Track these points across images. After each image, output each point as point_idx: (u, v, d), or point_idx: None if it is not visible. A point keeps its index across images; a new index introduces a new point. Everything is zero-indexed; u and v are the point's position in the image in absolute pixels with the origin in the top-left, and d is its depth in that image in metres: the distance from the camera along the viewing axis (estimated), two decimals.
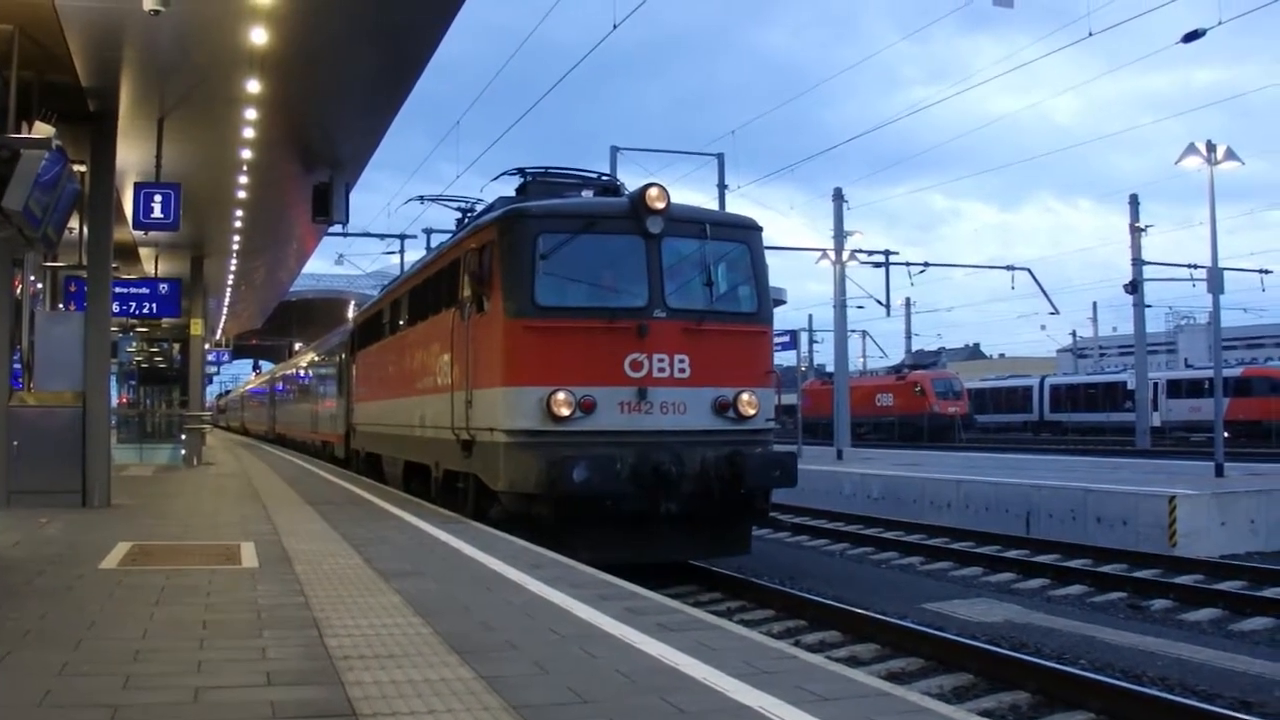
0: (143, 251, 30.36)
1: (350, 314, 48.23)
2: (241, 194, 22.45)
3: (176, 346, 39.88)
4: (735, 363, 14.85)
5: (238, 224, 26.05)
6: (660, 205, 14.43)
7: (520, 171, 17.62)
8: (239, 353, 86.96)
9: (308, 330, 69.24)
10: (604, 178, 18.51)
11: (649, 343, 14.11)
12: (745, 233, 15.59)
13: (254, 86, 15.64)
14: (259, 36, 13.72)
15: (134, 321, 32.73)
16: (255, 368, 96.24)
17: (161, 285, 28.59)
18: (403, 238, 42.80)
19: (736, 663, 6.50)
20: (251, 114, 16.96)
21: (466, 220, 19.79)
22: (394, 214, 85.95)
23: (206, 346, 43.39)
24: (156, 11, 12.71)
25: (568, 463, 13.14)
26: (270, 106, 16.78)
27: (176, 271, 31.90)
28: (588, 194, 16.86)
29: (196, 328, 33.07)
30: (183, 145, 18.65)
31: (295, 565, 10.43)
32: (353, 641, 6.97)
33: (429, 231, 37.19)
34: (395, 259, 44.17)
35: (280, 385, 53.63)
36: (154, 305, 27.87)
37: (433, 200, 23.93)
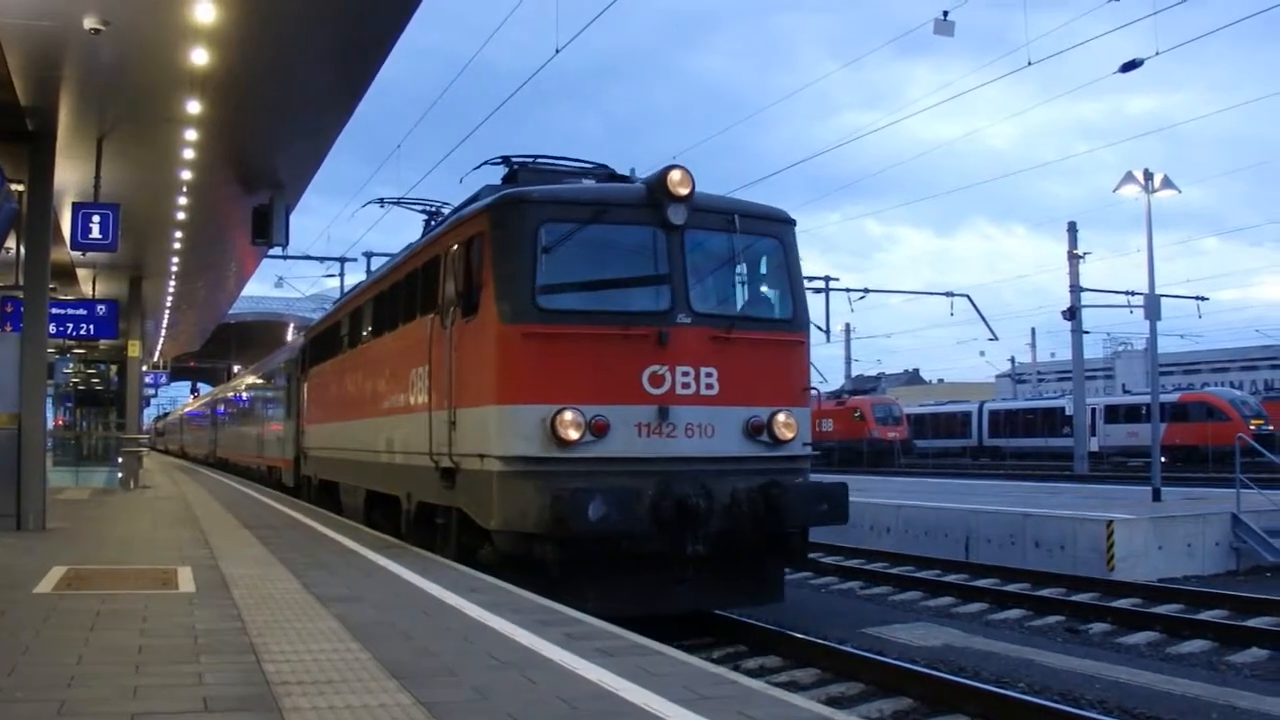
0: (80, 272, 30.08)
1: (289, 336, 47.87)
2: (181, 215, 22.32)
3: (114, 368, 39.61)
4: (769, 378, 12.91)
5: (177, 245, 25.88)
6: (684, 191, 12.45)
7: (505, 160, 15.35)
8: (177, 375, 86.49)
9: (247, 353, 68.91)
10: (604, 168, 16.00)
11: (671, 353, 12.12)
12: (778, 226, 13.63)
13: (194, 107, 15.57)
14: (200, 57, 13.67)
15: (71, 343, 32.50)
16: (193, 390, 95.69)
17: (99, 306, 28.38)
18: (343, 260, 42.74)
19: (676, 688, 6.49)
20: (192, 135, 16.88)
21: (434, 225, 17.59)
22: (332, 238, 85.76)
23: (144, 368, 43.01)
24: (97, 30, 12.69)
25: (580, 496, 11.09)
26: (211, 127, 16.71)
27: (114, 293, 31.67)
28: (588, 183, 14.61)
29: (134, 349, 32.80)
30: (122, 165, 18.51)
31: (233, 590, 10.34)
32: (290, 667, 6.91)
33: (369, 255, 37.17)
34: (334, 282, 44.07)
35: (222, 407, 51.74)
36: (91, 326, 27.65)
37: (394, 203, 21.49)
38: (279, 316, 64.53)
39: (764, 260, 13.63)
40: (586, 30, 17.77)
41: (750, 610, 14.13)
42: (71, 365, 38.52)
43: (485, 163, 15.64)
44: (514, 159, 15.21)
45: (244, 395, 43.35)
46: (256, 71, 15.23)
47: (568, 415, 11.66)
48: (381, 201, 22.06)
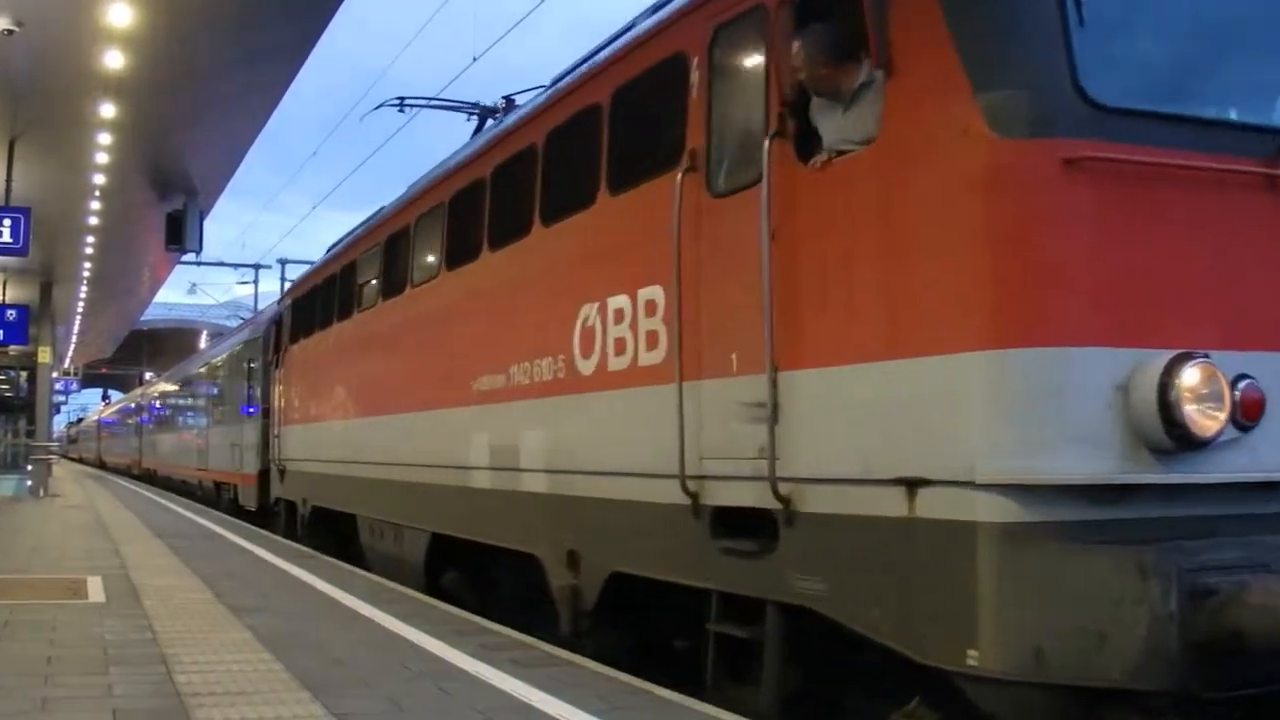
0: None
1: (202, 344, 47.06)
2: (94, 220, 22.11)
3: (23, 374, 39.08)
4: None
5: (89, 250, 25.63)
6: None
7: None
8: (88, 381, 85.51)
9: (159, 360, 68.25)
10: None
11: None
12: None
13: (109, 110, 15.43)
14: (114, 60, 13.57)
15: None
16: (104, 397, 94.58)
17: (9, 311, 28.01)
18: (257, 267, 42.52)
19: (592, 699, 6.48)
20: (105, 138, 16.73)
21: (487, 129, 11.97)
22: (247, 245, 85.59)
23: (55, 375, 42.46)
24: (9, 31, 12.56)
25: None
26: (125, 131, 16.56)
27: (25, 298, 31.26)
28: None
29: (45, 355, 32.32)
30: (34, 168, 18.32)
31: (144, 600, 10.21)
32: (202, 678, 6.84)
33: (284, 262, 36.93)
34: (248, 289, 43.82)
35: (149, 413, 44.98)
36: (1, 332, 27.26)
37: (422, 103, 15.08)
38: (192, 324, 64.12)
39: None
40: (500, 41, 17.53)
41: None
42: None
43: None
44: None
45: (182, 391, 36.96)
46: (171, 75, 15.11)
47: (1195, 374, 4.78)
48: (401, 103, 15.10)
